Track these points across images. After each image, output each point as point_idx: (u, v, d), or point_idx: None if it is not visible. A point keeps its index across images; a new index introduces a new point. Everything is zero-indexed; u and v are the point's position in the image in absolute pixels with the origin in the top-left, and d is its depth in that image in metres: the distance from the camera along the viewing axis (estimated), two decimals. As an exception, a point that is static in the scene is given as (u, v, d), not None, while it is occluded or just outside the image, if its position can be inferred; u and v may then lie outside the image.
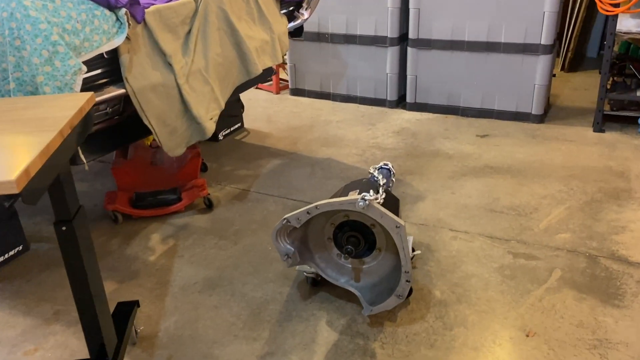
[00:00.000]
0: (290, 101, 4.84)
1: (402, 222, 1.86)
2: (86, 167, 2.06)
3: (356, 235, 2.10)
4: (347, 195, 2.20)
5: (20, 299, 2.37)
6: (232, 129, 4.07)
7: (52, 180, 1.40)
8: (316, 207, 1.95)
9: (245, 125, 4.24)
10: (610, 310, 2.17)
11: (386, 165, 2.66)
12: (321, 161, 3.61)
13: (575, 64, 5.44)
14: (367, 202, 1.86)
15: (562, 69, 5.31)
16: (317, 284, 2.37)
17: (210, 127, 2.47)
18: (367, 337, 2.09)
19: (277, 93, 5.04)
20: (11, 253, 2.62)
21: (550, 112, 4.28)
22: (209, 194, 3.02)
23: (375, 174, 2.46)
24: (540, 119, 4.07)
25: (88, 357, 1.77)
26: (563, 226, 2.74)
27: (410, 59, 4.31)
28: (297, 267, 2.28)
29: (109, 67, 2.17)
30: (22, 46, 1.79)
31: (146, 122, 2.25)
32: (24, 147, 1.33)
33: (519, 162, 3.46)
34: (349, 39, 4.47)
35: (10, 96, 1.86)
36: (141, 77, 2.22)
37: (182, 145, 2.45)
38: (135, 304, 2.09)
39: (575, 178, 3.22)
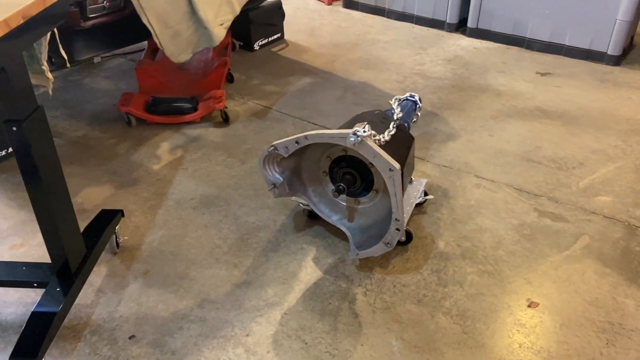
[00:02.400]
0: (340, 14, 4.48)
1: (396, 165, 1.64)
2: (68, 65, 1.94)
3: (352, 173, 1.90)
4: (353, 127, 1.97)
5: (19, 192, 2.38)
6: (269, 39, 3.82)
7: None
8: (305, 137, 1.75)
9: (286, 37, 3.97)
10: (634, 292, 1.89)
11: (412, 97, 2.37)
12: (355, 85, 3.33)
13: (678, -1, 4.65)
14: (358, 138, 1.63)
15: (661, 4, 4.56)
16: (313, 217, 2.21)
17: (219, 33, 2.26)
18: (351, 281, 1.94)
19: (329, 4, 4.67)
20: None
21: (630, 53, 3.71)
22: (225, 107, 2.86)
23: (395, 105, 2.20)
24: (617, 60, 3.54)
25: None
26: (607, 187, 2.40)
27: (476, -23, 3.81)
28: (293, 198, 2.13)
29: (107, -44, 1.98)
30: None
31: (145, 22, 2.07)
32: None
33: (576, 108, 3.04)
34: (411, -51, 3.99)
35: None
36: (142, -30, 2.02)
37: (187, 50, 2.27)
38: (118, 213, 2.03)
39: (637, 134, 2.79)
